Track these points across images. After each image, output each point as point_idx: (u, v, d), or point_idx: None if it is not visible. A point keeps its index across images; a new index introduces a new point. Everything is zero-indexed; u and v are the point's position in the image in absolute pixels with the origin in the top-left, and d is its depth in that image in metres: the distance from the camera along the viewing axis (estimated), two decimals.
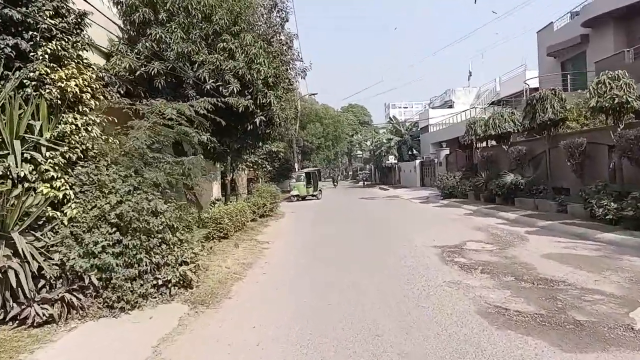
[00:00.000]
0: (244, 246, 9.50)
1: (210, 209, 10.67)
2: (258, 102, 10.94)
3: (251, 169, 32.04)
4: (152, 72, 9.42)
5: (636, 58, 15.77)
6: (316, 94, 59.88)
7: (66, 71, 5.59)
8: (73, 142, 5.52)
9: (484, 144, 19.75)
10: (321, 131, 42.04)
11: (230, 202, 14.41)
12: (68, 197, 5.29)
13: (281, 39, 14.63)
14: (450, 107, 44.34)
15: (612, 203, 9.51)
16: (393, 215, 15.84)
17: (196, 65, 10.23)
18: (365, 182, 54.31)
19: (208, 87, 9.82)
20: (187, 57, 10.10)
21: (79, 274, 4.76)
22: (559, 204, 12.36)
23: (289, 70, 15.05)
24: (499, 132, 16.43)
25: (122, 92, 9.08)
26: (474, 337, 4.01)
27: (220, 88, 10.23)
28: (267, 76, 10.91)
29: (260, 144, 13.95)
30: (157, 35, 9.46)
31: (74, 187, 5.36)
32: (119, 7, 10.13)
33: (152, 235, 5.16)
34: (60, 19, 5.95)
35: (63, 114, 5.58)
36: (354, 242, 9.80)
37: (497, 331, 4.14)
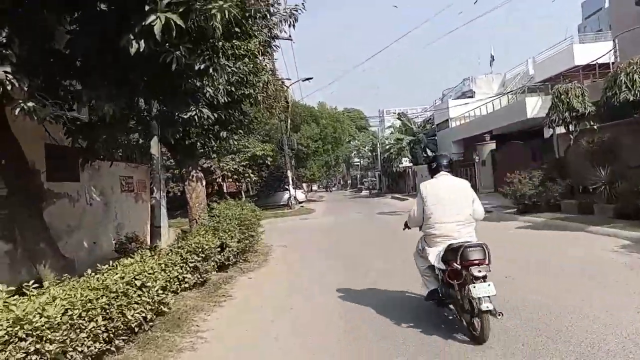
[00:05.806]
0: None
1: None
2: None
3: (230, 180, 24.56)
4: None
5: None
6: (312, 78, 52.41)
7: None
8: None
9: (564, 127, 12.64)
10: (317, 132, 34.76)
11: (179, 241, 7.04)
12: None
13: None
14: (470, 97, 37.50)
15: None
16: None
17: None
18: (372, 191, 46.97)
19: None
20: None
21: None
22: None
23: (268, 15, 8.54)
24: None
25: None
26: None
27: None
28: None
29: (195, 113, 6.21)
30: None
31: None
32: None
33: None
34: None
35: None
36: None
37: None
